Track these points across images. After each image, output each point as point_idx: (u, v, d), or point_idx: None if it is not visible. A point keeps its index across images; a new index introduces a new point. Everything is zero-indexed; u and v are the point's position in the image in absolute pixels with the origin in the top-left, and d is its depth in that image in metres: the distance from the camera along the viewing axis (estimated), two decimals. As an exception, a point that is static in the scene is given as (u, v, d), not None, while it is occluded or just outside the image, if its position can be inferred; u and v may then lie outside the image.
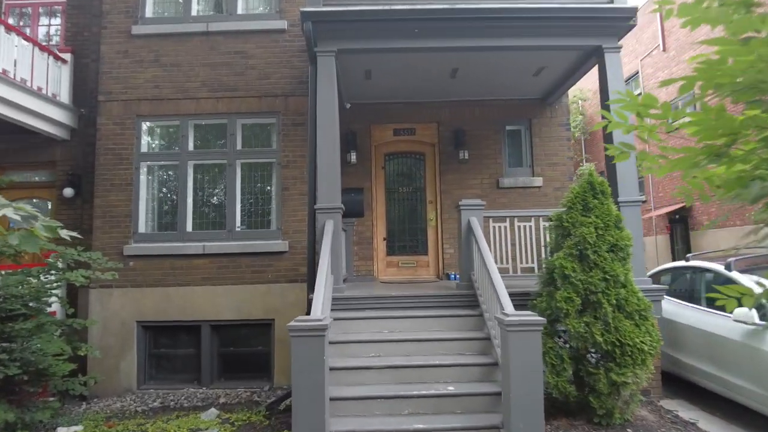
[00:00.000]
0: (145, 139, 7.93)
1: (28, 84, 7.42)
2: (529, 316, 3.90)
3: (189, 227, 7.70)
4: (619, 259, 4.60)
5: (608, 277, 4.46)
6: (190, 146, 7.87)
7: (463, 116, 8.48)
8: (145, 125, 7.92)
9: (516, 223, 6.11)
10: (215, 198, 7.93)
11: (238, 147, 7.82)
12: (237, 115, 7.80)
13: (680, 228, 15.41)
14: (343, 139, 7.37)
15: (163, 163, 8.00)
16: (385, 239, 8.34)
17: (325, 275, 4.94)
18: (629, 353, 4.32)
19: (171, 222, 7.82)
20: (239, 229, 7.70)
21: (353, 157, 8.05)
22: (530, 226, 6.15)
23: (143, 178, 7.82)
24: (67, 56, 8.44)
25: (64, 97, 8.35)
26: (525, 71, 7.40)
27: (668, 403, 5.39)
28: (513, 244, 6.12)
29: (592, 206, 4.65)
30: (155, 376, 7.55)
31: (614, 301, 4.44)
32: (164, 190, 8.05)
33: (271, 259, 7.49)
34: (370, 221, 8.26)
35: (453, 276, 7.95)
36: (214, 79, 7.85)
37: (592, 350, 4.52)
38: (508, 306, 4.32)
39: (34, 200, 8.68)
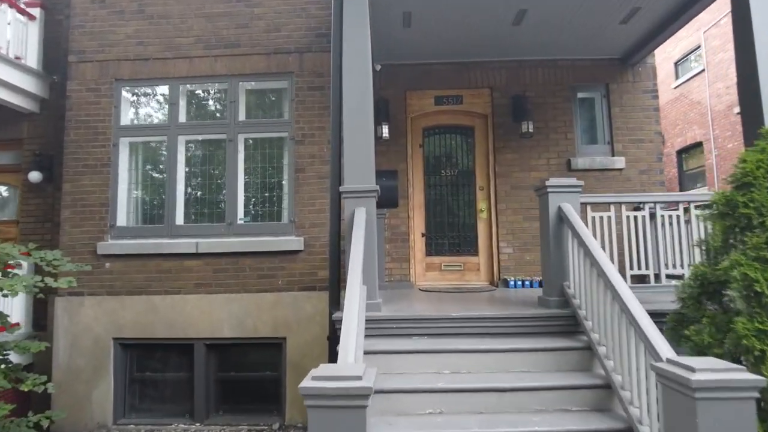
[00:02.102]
0: (125, 109, 6.35)
1: (-21, 41, 5.91)
2: (735, 372, 2.17)
3: (179, 219, 6.10)
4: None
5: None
6: (182, 117, 6.26)
7: (523, 80, 6.72)
8: (125, 91, 6.33)
9: (624, 212, 4.35)
10: (212, 182, 6.31)
11: (241, 117, 6.19)
12: (240, 78, 6.17)
13: None
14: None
15: (147, 138, 6.40)
16: (423, 235, 6.64)
17: (359, 287, 3.27)
18: None
19: (158, 213, 6.23)
20: (242, 222, 6.07)
21: (384, 131, 6.35)
22: (643, 217, 4.39)
23: (123, 157, 6.24)
24: (36, 11, 6.90)
25: (32, 60, 6.81)
26: (612, 14, 5.61)
27: None
28: (620, 242, 4.37)
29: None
30: (137, 407, 5.97)
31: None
32: (149, 172, 6.45)
33: (281, 259, 5.86)
34: (406, 213, 6.57)
35: (513, 283, 6.22)
36: (211, 32, 6.23)
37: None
38: (662, 346, 2.60)
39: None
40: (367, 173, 4.23)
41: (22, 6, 6.76)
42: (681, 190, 13.96)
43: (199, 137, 6.32)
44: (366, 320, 3.74)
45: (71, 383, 5.77)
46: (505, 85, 6.71)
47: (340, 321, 3.72)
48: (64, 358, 5.83)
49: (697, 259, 4.20)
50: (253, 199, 6.25)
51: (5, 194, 7.16)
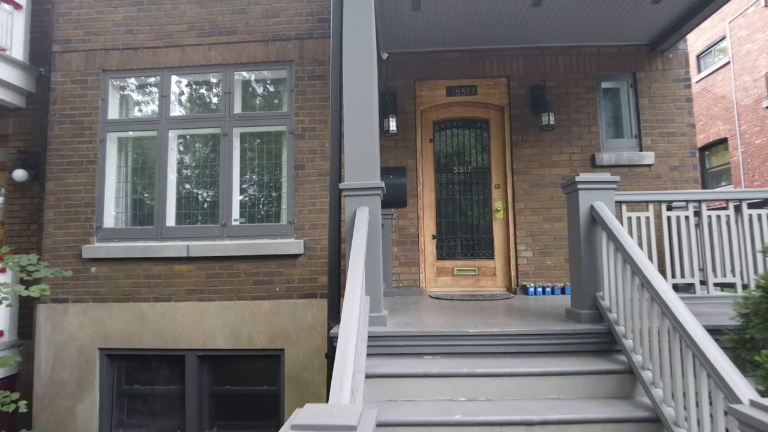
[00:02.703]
0: (113, 102, 5.92)
1: (-42, 29, 5.51)
2: None
3: (170, 221, 5.66)
4: None
5: None
6: (173, 110, 5.81)
7: (543, 68, 6.18)
8: (113, 83, 5.90)
9: (664, 212, 3.80)
10: (206, 180, 5.85)
11: (236, 110, 5.73)
12: (235, 67, 5.71)
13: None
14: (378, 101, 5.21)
15: (136, 133, 5.95)
16: (434, 237, 6.13)
17: (359, 299, 2.77)
18: None
19: (147, 214, 5.78)
20: (237, 224, 5.61)
21: (392, 124, 5.85)
22: (686, 217, 3.84)
23: (111, 153, 5.81)
24: (23, 0, 6.50)
25: (17, 52, 6.41)
26: (644, -7, 5.06)
27: None
28: (659, 245, 3.83)
29: None
30: (125, 422, 5.53)
31: None
32: (138, 169, 6.00)
33: (280, 264, 5.38)
34: (415, 213, 6.06)
35: (533, 290, 5.69)
36: (205, 19, 5.78)
37: None
38: (739, 383, 2.08)
39: (-16, 186, 6.78)
40: (371, 169, 3.73)
41: (8, -6, 6.37)
42: (704, 189, 13.25)
43: (192, 131, 5.87)
44: (368, 336, 3.25)
45: (54, 397, 5.35)
46: (524, 74, 6.17)
47: (337, 337, 3.25)
48: (46, 370, 5.42)
49: (759, 266, 3.66)
50: (249, 199, 5.78)
51: (-9, 194, 6.77)
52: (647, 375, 2.84)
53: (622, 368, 3.06)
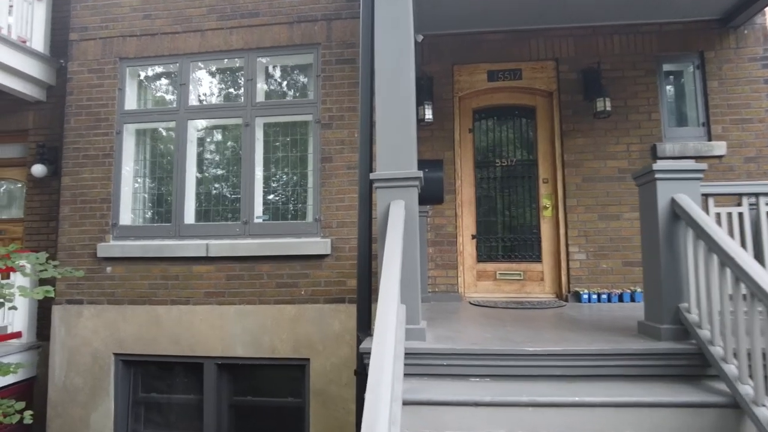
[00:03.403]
0: (131, 92, 5.59)
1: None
2: None
3: (189, 218, 5.28)
4: None
5: None
6: (192, 99, 5.43)
7: (595, 49, 5.53)
8: (130, 71, 5.57)
9: (763, 207, 3.14)
10: (226, 174, 5.45)
11: (259, 99, 5.31)
12: (258, 52, 5.30)
13: None
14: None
15: (154, 124, 5.61)
16: (474, 237, 5.56)
17: (395, 309, 2.26)
18: None
19: (165, 210, 5.42)
20: (259, 221, 5.18)
21: (427, 113, 5.31)
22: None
23: (128, 146, 5.49)
24: (43, -11, 6.28)
25: (38, 43, 6.18)
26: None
27: None
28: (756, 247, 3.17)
29: None
30: (140, 433, 5.18)
31: None
32: (156, 163, 5.65)
33: (305, 265, 4.93)
34: (453, 210, 5.50)
35: (586, 297, 5.06)
36: (226, 1, 5.38)
37: None
38: None
39: (3, 182, 6.59)
40: (407, 157, 3.20)
41: (28, -17, 6.15)
42: None
43: (212, 122, 5.48)
44: (405, 353, 2.72)
45: (67, 405, 5.05)
46: (574, 56, 5.54)
47: (369, 353, 2.74)
48: (60, 375, 5.12)
49: None
50: (273, 194, 5.35)
51: (11, 190, 6.57)
52: (763, 413, 2.22)
53: (722, 401, 2.44)
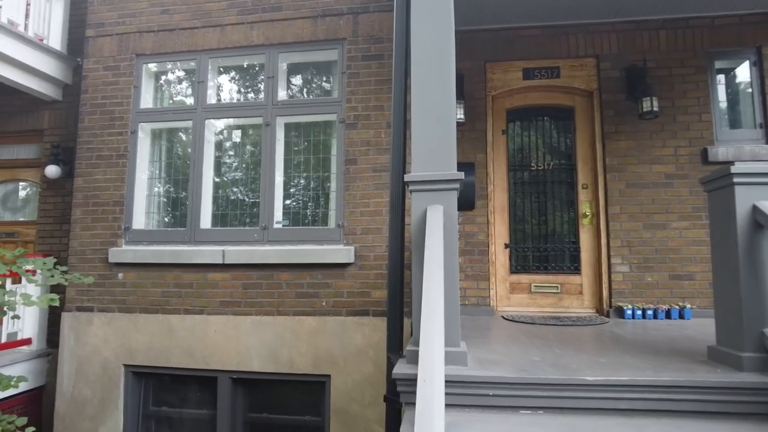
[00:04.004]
0: (146, 90, 5.36)
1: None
2: None
3: (205, 222, 5.01)
4: None
5: None
6: (210, 98, 5.18)
7: (640, 46, 5.14)
8: (147, 68, 5.34)
9: None
10: (244, 176, 5.17)
11: (281, 97, 5.03)
12: (279, 48, 5.02)
13: None
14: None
15: (170, 124, 5.36)
16: (507, 246, 5.18)
17: (440, 333, 1.94)
18: None
19: (179, 214, 5.16)
20: (279, 226, 4.88)
21: (458, 112, 4.97)
22: None
23: (143, 146, 5.25)
24: (60, -15, 6.12)
25: (55, 41, 6.02)
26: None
27: None
28: None
29: None
30: (151, 450, 4.89)
31: None
32: (171, 164, 5.40)
33: (326, 274, 4.61)
34: (484, 217, 5.13)
35: (630, 312, 4.64)
36: (246, -5, 5.13)
37: None
38: None
39: (20, 183, 6.42)
40: (445, 157, 2.85)
41: (46, -21, 5.99)
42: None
43: (231, 122, 5.22)
44: (446, 380, 2.37)
45: (74, 418, 4.79)
46: (617, 53, 5.15)
47: (406, 381, 2.40)
48: (68, 386, 4.86)
49: None
50: (293, 198, 5.05)
51: (26, 192, 6.39)
52: None
53: (829, 449, 2.04)
